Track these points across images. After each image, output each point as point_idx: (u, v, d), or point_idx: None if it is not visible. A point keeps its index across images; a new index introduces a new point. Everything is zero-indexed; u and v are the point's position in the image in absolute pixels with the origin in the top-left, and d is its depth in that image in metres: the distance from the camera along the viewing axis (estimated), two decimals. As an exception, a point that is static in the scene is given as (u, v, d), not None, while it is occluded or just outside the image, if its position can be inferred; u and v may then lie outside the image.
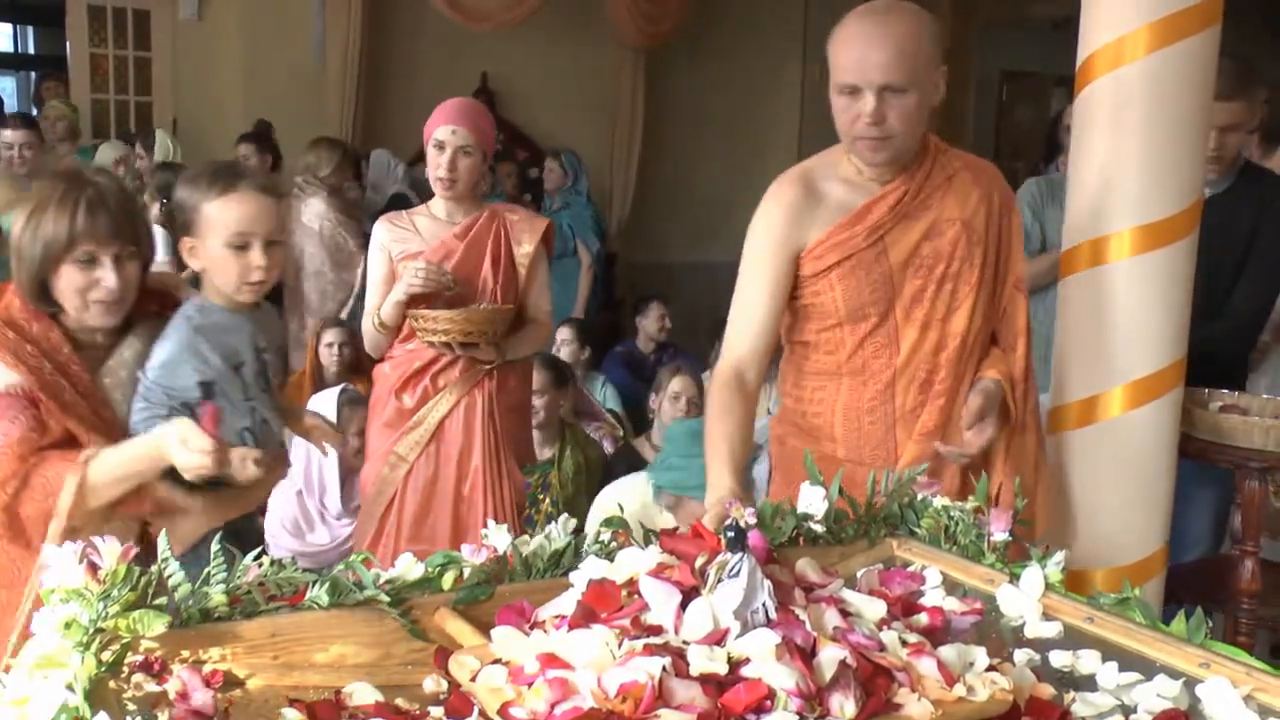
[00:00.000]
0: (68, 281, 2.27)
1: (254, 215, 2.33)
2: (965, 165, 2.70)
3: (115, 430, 2.29)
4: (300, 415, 2.76)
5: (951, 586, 1.92)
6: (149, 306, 2.40)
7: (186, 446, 2.15)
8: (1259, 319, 3.81)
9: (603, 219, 8.39)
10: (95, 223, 2.24)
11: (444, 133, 3.55)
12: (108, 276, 2.26)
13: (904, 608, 1.77)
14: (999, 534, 1.99)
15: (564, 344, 6.17)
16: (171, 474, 2.25)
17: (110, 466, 2.20)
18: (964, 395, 2.67)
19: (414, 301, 3.52)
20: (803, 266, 2.64)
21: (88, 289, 2.27)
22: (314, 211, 5.95)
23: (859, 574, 1.91)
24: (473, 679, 1.40)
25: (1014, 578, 1.90)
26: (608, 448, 5.02)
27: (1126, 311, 3.00)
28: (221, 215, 2.32)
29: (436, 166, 3.55)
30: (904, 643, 1.47)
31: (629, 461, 4.89)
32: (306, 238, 5.91)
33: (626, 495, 3.81)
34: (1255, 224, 3.59)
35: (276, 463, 2.48)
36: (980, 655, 1.51)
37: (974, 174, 2.69)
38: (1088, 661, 1.70)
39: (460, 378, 3.59)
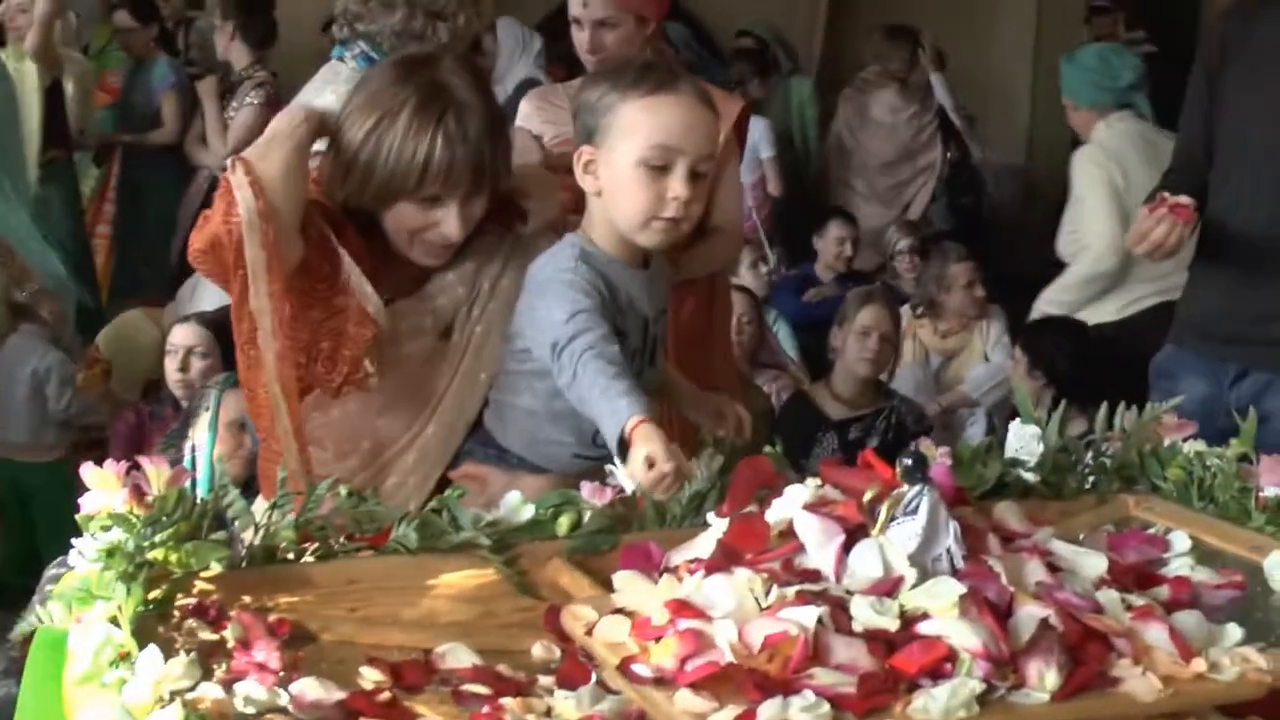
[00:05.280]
0: (400, 217, 2.29)
1: (687, 126, 2.20)
2: None
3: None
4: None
5: (1205, 555, 1.93)
6: (484, 224, 2.38)
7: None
8: None
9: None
10: (452, 158, 2.23)
11: (574, 6, 3.54)
12: (450, 223, 2.27)
13: (1139, 578, 1.79)
14: (1271, 488, 1.99)
15: (748, 265, 6.06)
16: None
17: None
18: None
19: None
20: None
21: (422, 230, 2.29)
22: None
23: (1081, 537, 1.93)
24: (588, 633, 1.48)
25: (1288, 544, 1.91)
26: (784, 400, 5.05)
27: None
28: (644, 120, 2.18)
29: (580, 44, 3.57)
30: (1128, 606, 1.50)
31: (802, 415, 4.90)
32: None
33: None
34: None
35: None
36: (1231, 629, 1.54)
37: None
38: (1385, 649, 1.70)
39: None
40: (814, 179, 8.28)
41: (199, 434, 3.91)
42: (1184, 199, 3.00)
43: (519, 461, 2.31)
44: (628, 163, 2.18)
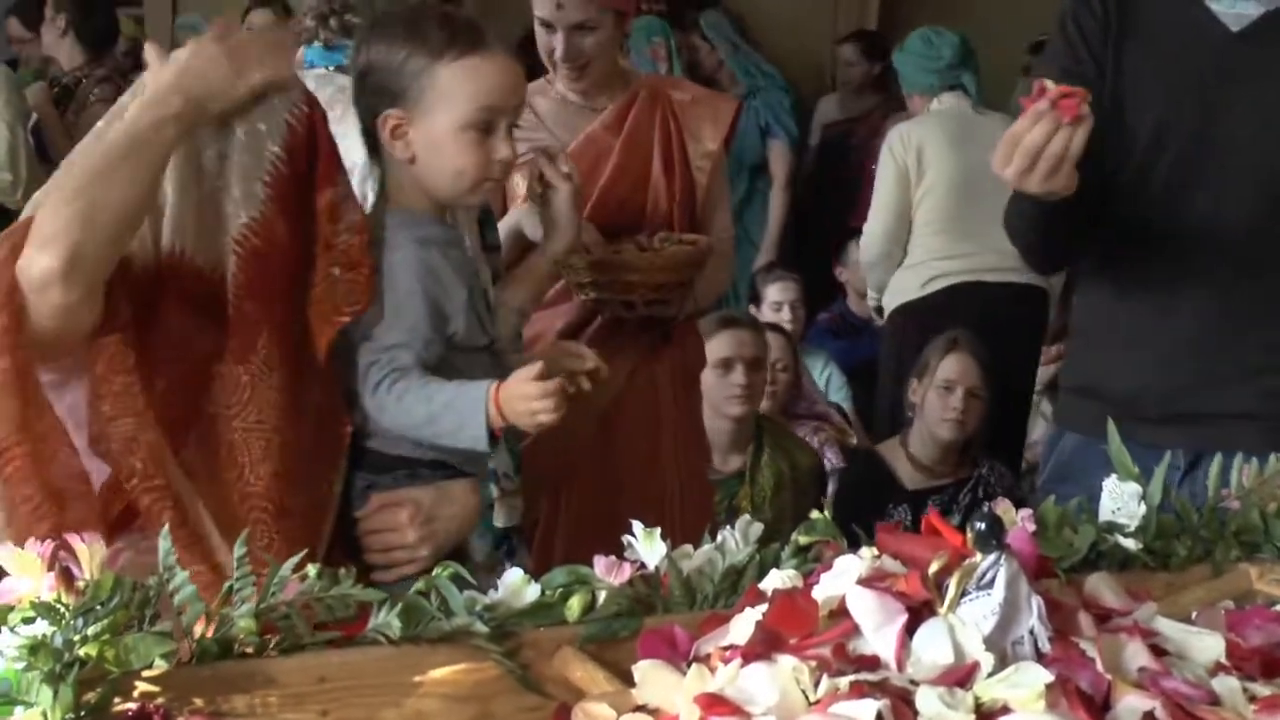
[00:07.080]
0: None
1: (507, 84, 2.52)
2: None
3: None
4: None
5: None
6: None
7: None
8: None
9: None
10: None
11: (545, 8, 3.51)
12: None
13: (1264, 663, 1.76)
14: None
15: (787, 305, 6.14)
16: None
17: None
18: None
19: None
20: None
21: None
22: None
23: (1193, 615, 1.90)
24: (604, 736, 1.45)
25: None
26: (829, 459, 5.01)
27: None
28: (464, 84, 2.47)
29: (550, 51, 3.56)
30: (1252, 696, 1.47)
31: (870, 479, 4.84)
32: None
33: None
34: None
35: None
36: (1377, 722, 1.50)
37: None
38: None
39: (628, 345, 3.57)
40: (802, 185, 8.23)
41: None
42: (1075, 88, 2.41)
43: (431, 471, 2.48)
44: (449, 129, 2.47)
